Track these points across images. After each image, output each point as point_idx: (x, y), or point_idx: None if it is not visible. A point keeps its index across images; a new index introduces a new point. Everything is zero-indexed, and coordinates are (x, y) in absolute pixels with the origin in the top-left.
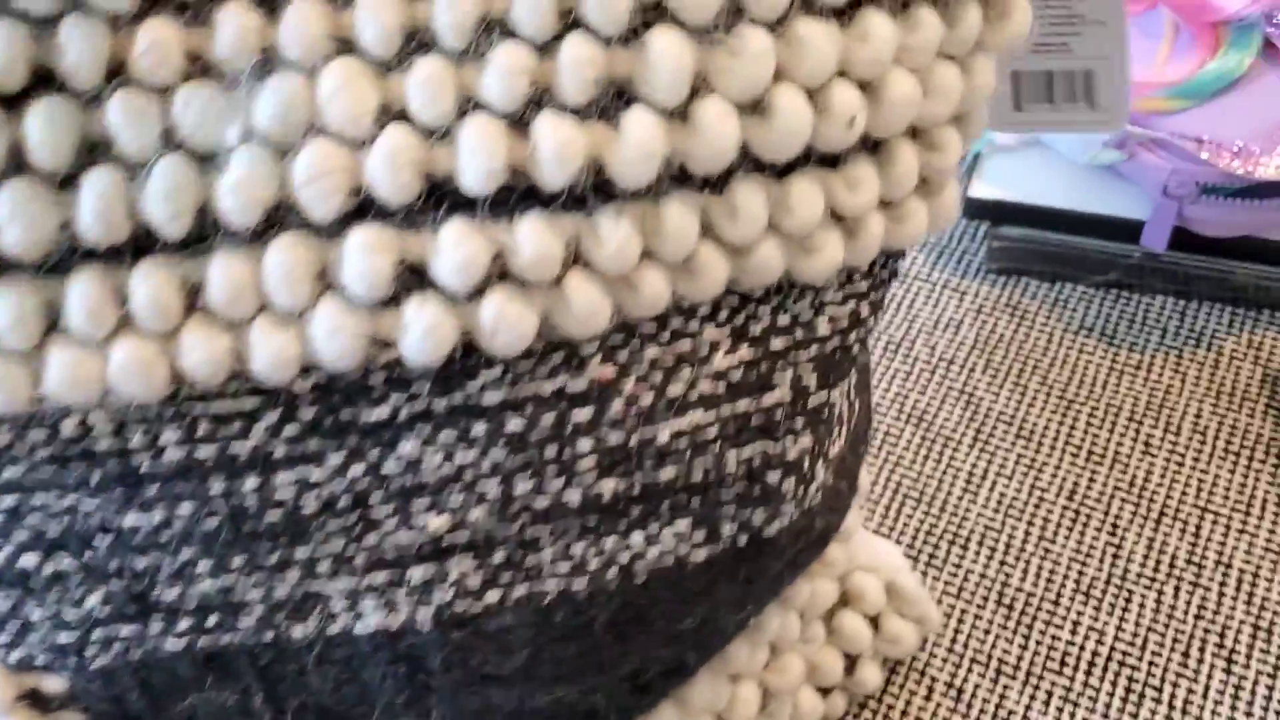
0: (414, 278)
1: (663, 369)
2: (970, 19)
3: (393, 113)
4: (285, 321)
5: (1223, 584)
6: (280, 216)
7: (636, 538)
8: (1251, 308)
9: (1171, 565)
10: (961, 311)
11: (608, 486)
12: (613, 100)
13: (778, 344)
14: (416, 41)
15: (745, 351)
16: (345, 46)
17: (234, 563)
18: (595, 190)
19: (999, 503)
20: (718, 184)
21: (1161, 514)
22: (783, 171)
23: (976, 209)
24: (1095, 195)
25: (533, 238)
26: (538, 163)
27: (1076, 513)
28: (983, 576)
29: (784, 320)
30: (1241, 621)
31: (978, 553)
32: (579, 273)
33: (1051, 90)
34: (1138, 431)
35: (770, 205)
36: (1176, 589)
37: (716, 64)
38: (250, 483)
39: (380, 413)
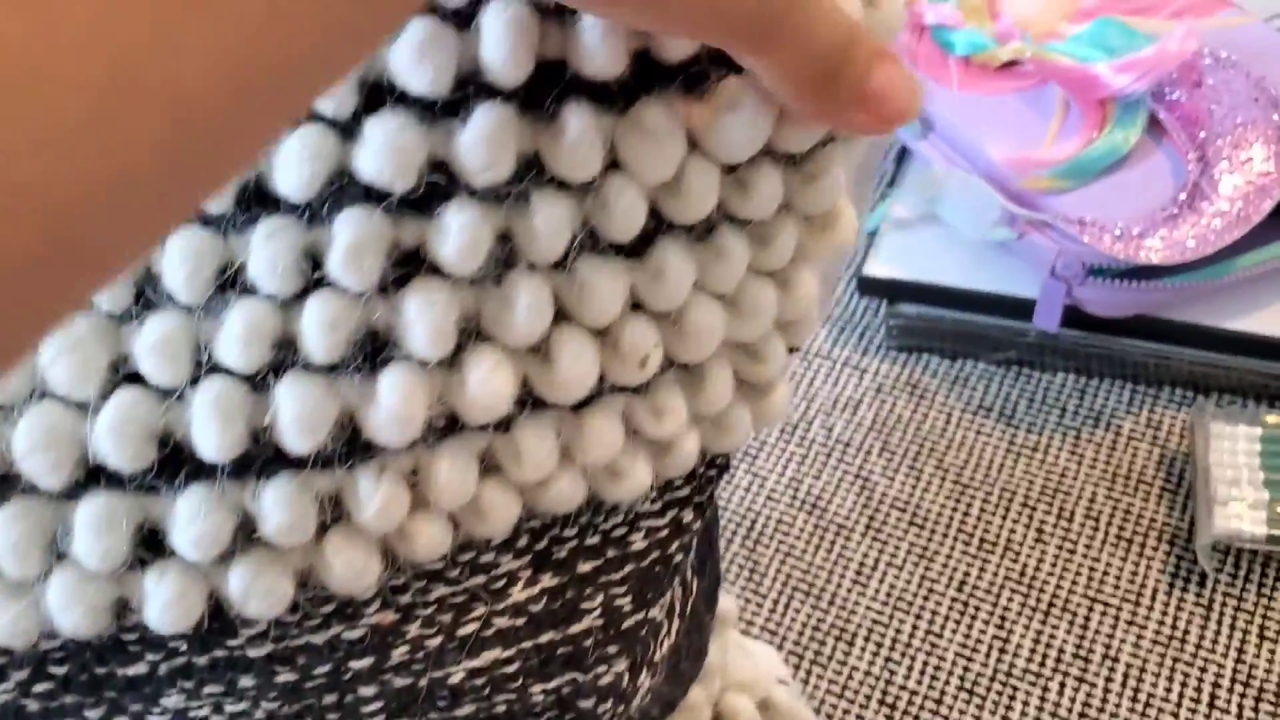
0: (155, 542)
1: (452, 608)
2: (784, 237)
3: (121, 373)
4: (18, 592)
5: (1109, 679)
6: (9, 479)
7: None
8: (1151, 384)
9: (1059, 659)
10: (861, 390)
11: None
12: (369, 354)
13: (585, 568)
14: (147, 296)
15: (548, 580)
16: None
17: None
18: (357, 444)
19: (888, 595)
20: (503, 422)
21: (1050, 605)
22: (582, 401)
23: (872, 287)
24: (990, 273)
25: (280, 506)
26: (280, 429)
27: (965, 604)
28: (867, 674)
29: (593, 540)
30: (1126, 719)
31: (864, 649)
32: (341, 531)
33: None
34: (1030, 518)
35: (563, 440)
36: (1062, 685)
37: (489, 313)
38: None
39: (137, 669)
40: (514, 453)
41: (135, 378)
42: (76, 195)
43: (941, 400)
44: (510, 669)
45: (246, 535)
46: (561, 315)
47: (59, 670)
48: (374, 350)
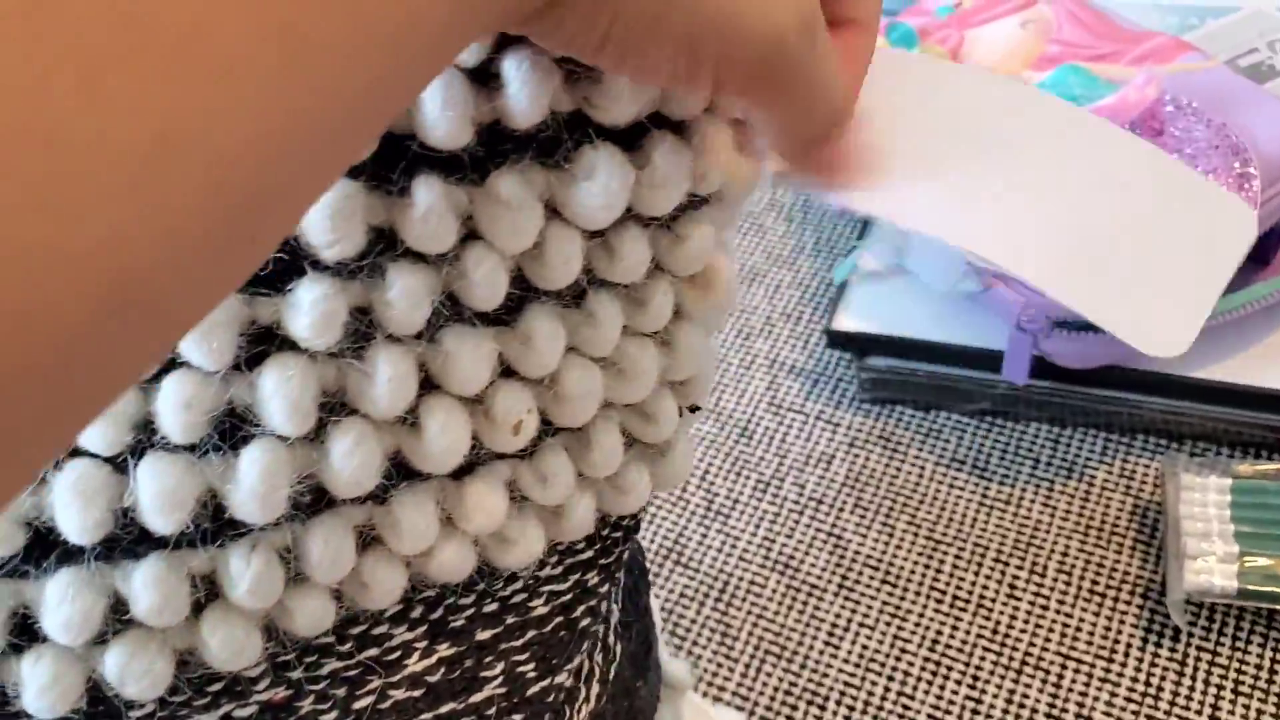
0: (29, 628)
1: (345, 681)
2: (660, 298)
3: None
4: None
5: None
6: None
7: None
8: (1124, 433)
9: (1031, 719)
10: (834, 445)
11: None
12: (228, 433)
13: (484, 635)
14: None
15: (445, 649)
16: None
17: None
18: (227, 522)
19: (860, 656)
20: (379, 495)
21: (1024, 663)
22: (462, 469)
23: (842, 340)
24: (959, 325)
25: (150, 586)
26: (141, 509)
27: (938, 664)
28: None
29: (491, 608)
30: None
31: (835, 712)
32: (217, 609)
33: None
34: (1003, 573)
35: (445, 509)
36: None
37: (352, 386)
38: None
39: None
40: (392, 524)
41: None
42: (132, 252)
43: (915, 453)
44: None
45: (120, 617)
46: (430, 384)
47: None
48: (233, 429)
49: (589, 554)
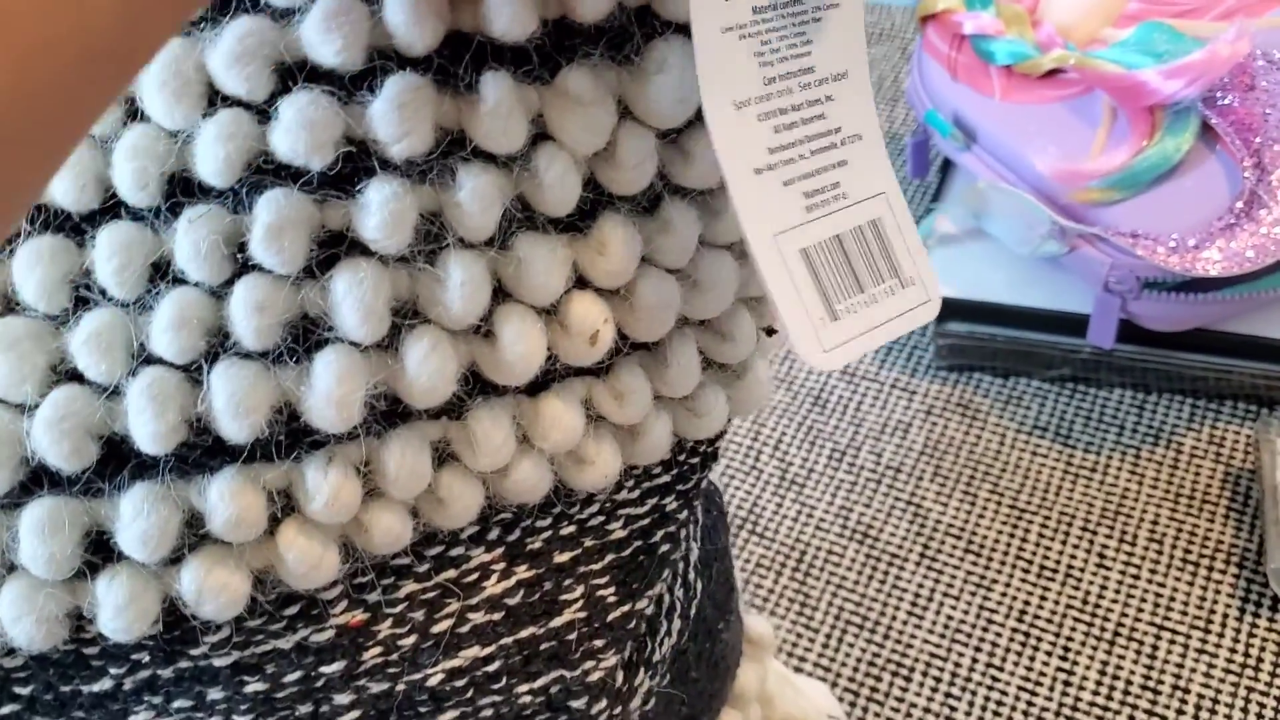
0: (104, 547)
1: (424, 604)
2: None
3: (60, 373)
4: None
5: (1179, 711)
6: None
7: None
8: (1213, 399)
9: (1126, 691)
10: (910, 413)
11: None
12: (302, 339)
13: (562, 558)
14: (82, 296)
15: (523, 572)
16: (7, 304)
17: None
18: (303, 435)
19: (946, 627)
20: (455, 409)
21: (1116, 634)
22: (538, 385)
23: None
24: (1040, 288)
25: (226, 499)
26: (215, 416)
27: (1026, 635)
28: (926, 710)
29: (568, 530)
30: None
31: (922, 684)
32: (293, 524)
33: (853, 268)
34: (1092, 542)
35: (521, 426)
36: (1131, 718)
37: (424, 294)
38: None
39: (102, 685)
40: (468, 440)
41: (74, 376)
42: None
43: (994, 421)
44: (491, 668)
45: (196, 534)
46: (503, 294)
47: (23, 690)
48: (307, 335)
49: (666, 479)
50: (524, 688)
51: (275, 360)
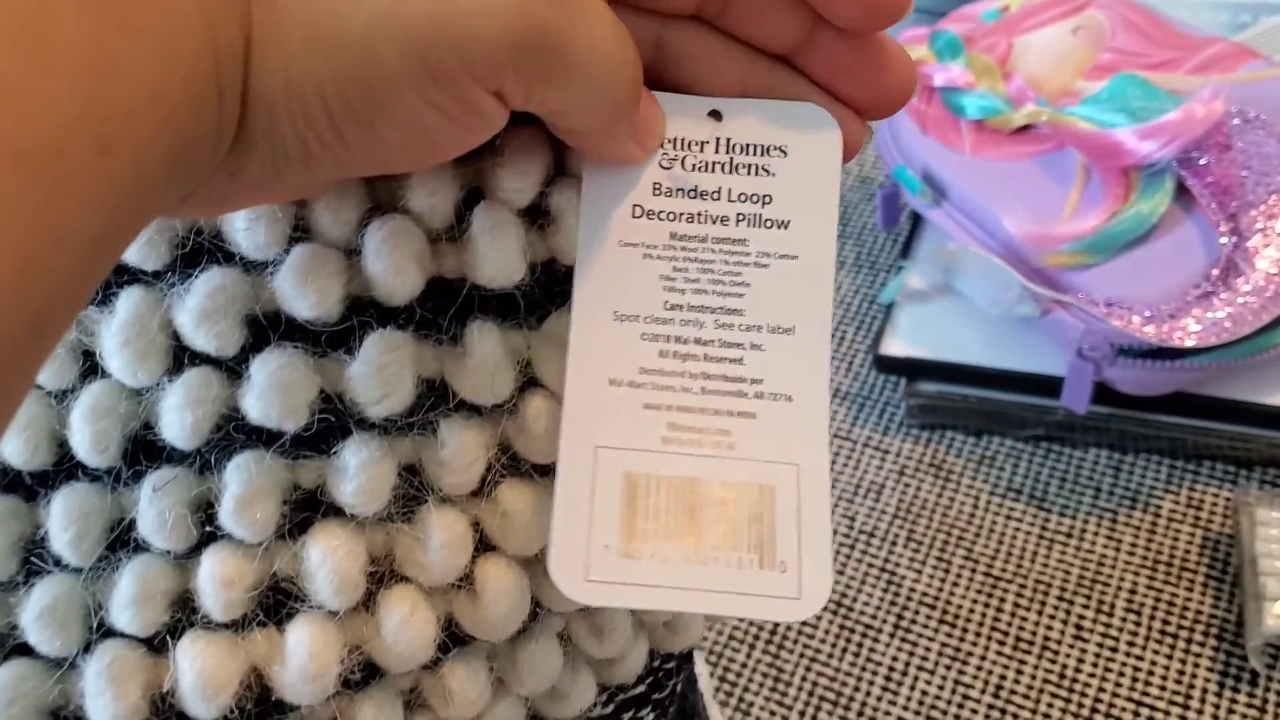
0: None
1: None
2: None
3: (9, 646)
4: None
5: None
6: None
7: None
8: (1190, 460)
9: None
10: (884, 474)
11: None
12: (274, 607)
13: None
14: (33, 563)
15: None
16: None
17: None
18: (271, 703)
19: (921, 702)
20: (430, 661)
21: (1094, 709)
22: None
23: (889, 365)
24: (1012, 349)
25: None
26: (182, 696)
27: (1003, 711)
28: None
29: None
30: None
31: None
32: None
33: (696, 519)
34: (1069, 612)
35: (496, 671)
36: None
37: (402, 552)
38: None
39: None
40: (442, 692)
41: (23, 649)
42: None
43: (968, 482)
44: None
45: None
46: (485, 544)
47: None
48: (279, 602)
49: (641, 689)
50: None
51: (245, 630)
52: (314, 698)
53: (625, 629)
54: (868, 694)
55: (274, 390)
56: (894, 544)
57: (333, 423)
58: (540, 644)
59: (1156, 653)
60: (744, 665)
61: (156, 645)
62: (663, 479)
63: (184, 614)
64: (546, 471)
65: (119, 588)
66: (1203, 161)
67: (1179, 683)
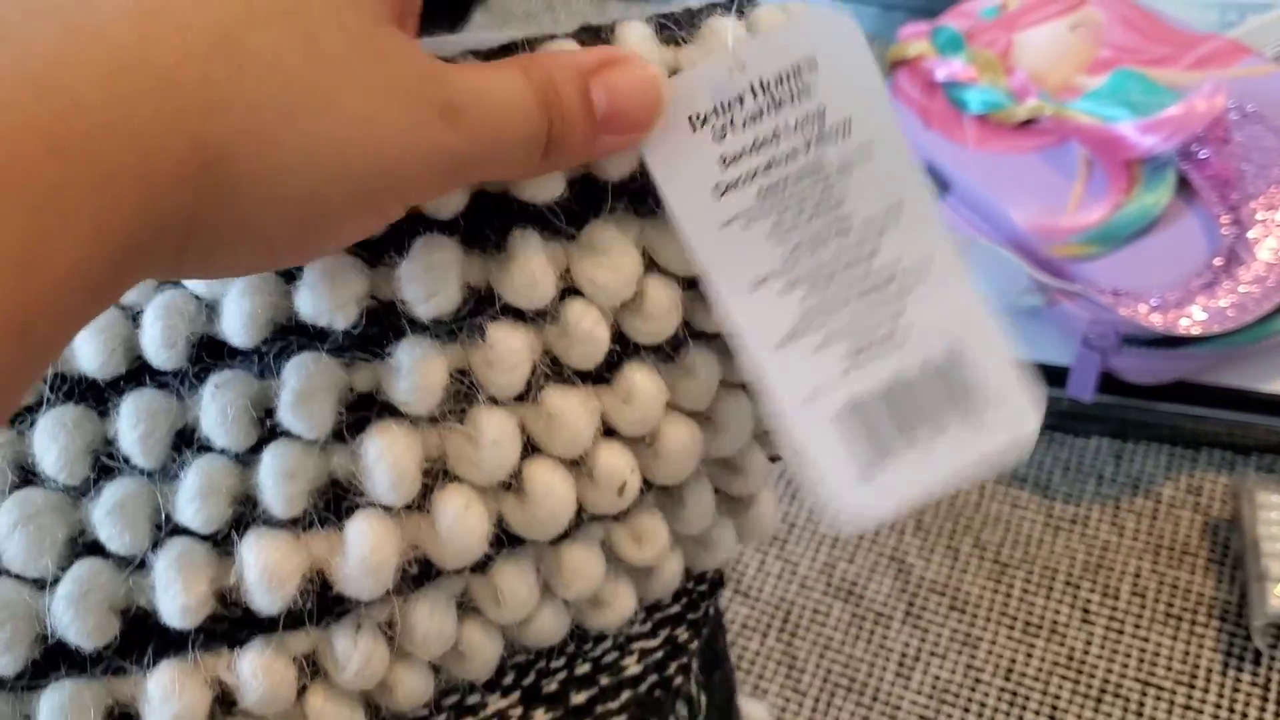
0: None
1: None
2: None
3: (81, 545)
4: None
5: None
6: None
7: None
8: (1189, 446)
9: None
10: None
11: None
12: (333, 505)
13: (579, 699)
14: (104, 465)
15: (542, 715)
16: (26, 475)
17: None
18: (331, 602)
19: (934, 686)
20: (480, 565)
21: (1103, 690)
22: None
23: None
24: (1019, 339)
25: (258, 673)
26: (246, 588)
27: (1014, 693)
28: None
29: (584, 669)
30: None
31: None
32: (321, 691)
33: (902, 415)
34: (1075, 596)
35: (542, 574)
36: None
37: (454, 451)
38: None
39: None
40: (493, 594)
41: (95, 549)
42: None
43: None
44: None
45: (226, 708)
46: (532, 447)
47: None
48: (338, 500)
49: (677, 609)
50: None
51: (305, 527)
52: (373, 591)
53: (662, 537)
54: (881, 679)
55: (324, 286)
56: (903, 533)
57: (385, 325)
58: (584, 547)
59: (1162, 634)
60: (757, 654)
61: (221, 542)
62: (863, 401)
63: (247, 510)
64: (588, 378)
65: (184, 484)
66: (1203, 155)
67: (1184, 663)
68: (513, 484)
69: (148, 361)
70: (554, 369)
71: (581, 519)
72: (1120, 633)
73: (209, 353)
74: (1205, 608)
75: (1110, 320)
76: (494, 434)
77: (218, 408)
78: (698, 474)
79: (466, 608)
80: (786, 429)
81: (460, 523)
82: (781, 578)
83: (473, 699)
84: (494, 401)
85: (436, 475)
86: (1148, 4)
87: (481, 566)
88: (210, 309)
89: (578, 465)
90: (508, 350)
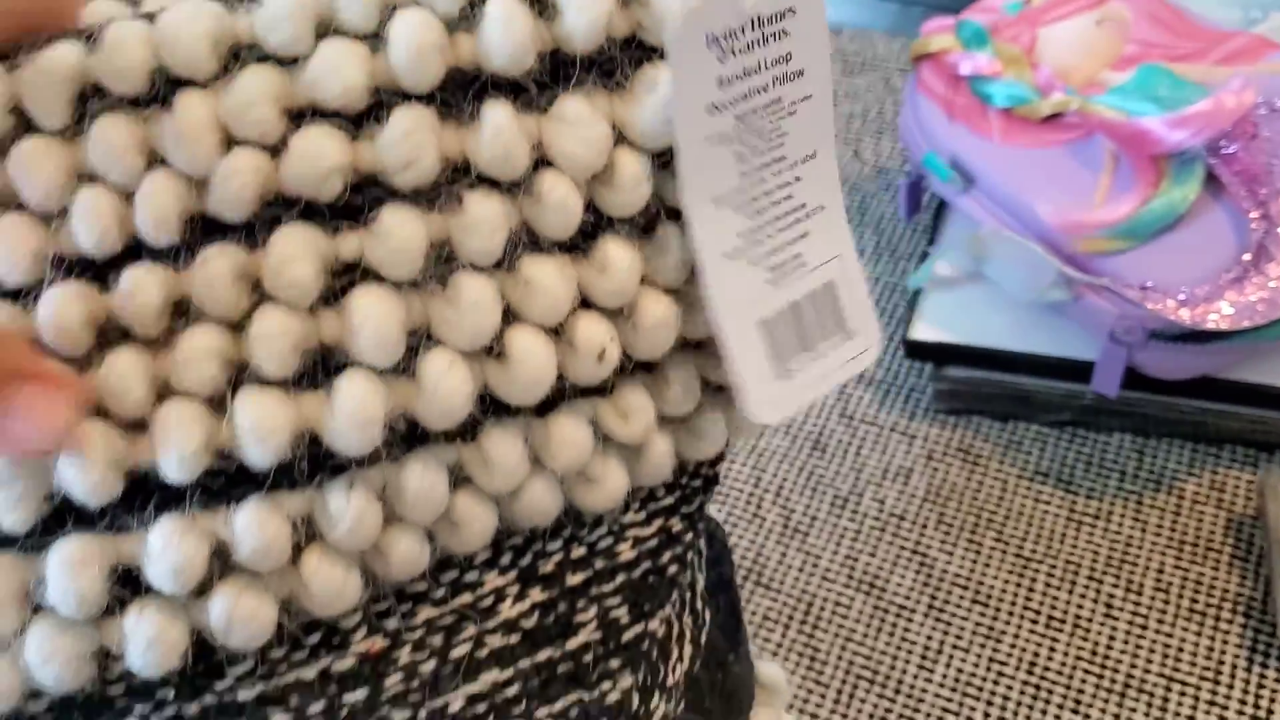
0: (132, 582)
1: (442, 629)
2: None
3: (86, 410)
4: None
5: None
6: None
7: None
8: (1213, 444)
9: None
10: (911, 458)
11: None
12: (323, 365)
13: (575, 580)
14: (105, 333)
15: (538, 594)
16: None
17: None
18: (324, 461)
19: (956, 679)
20: (469, 432)
21: (1126, 685)
22: (547, 406)
23: (918, 350)
24: (1042, 335)
25: (252, 528)
26: (240, 443)
27: (1038, 687)
28: None
29: (579, 552)
30: None
31: None
32: (316, 551)
33: (804, 330)
34: (1099, 591)
35: (531, 446)
36: None
37: (437, 317)
38: None
39: None
40: (483, 461)
41: (99, 411)
42: None
43: (996, 466)
44: (511, 691)
45: (223, 565)
46: (512, 316)
47: None
48: (326, 363)
49: (670, 500)
50: (543, 711)
51: (297, 386)
52: (361, 447)
53: (648, 413)
54: (904, 672)
55: (308, 160)
56: (924, 527)
57: (366, 196)
58: (571, 419)
59: (1185, 629)
60: (779, 645)
61: (217, 404)
62: (779, 313)
63: (239, 375)
64: (565, 250)
65: (180, 350)
66: (1231, 150)
67: (1209, 659)
68: (495, 348)
69: (143, 240)
70: (531, 240)
71: (566, 394)
72: (1144, 628)
73: (202, 230)
74: (1229, 604)
75: (1137, 315)
76: (474, 297)
77: (206, 279)
78: (680, 355)
79: (459, 479)
80: (723, 332)
81: (444, 382)
82: (803, 570)
83: (471, 576)
84: (474, 269)
85: (421, 340)
86: (1173, 0)
87: (471, 436)
88: (200, 186)
89: (558, 335)
90: (485, 216)
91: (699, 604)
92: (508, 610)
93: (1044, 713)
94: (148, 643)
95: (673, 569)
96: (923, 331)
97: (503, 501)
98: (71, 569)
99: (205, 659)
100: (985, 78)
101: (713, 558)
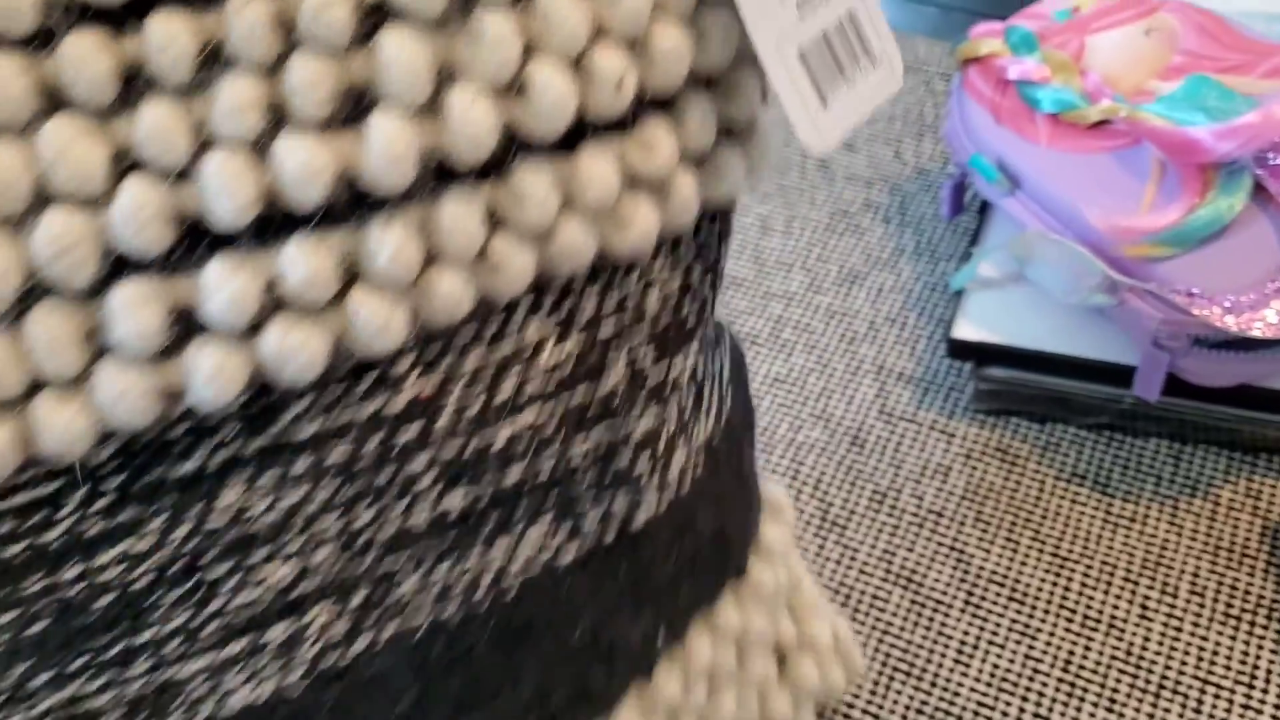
0: (191, 323)
1: (489, 373)
2: None
3: (127, 162)
4: (66, 395)
5: None
6: (32, 289)
7: (497, 550)
8: (1249, 452)
9: None
10: (950, 456)
11: (454, 502)
12: (355, 107)
13: (608, 328)
14: (137, 85)
15: (574, 341)
16: (56, 102)
17: (74, 666)
18: (364, 201)
19: (992, 675)
20: (499, 171)
21: (1161, 686)
22: (569, 146)
23: (960, 350)
24: (1083, 338)
25: (299, 261)
26: (284, 186)
27: (1072, 685)
28: None
29: (612, 302)
30: None
31: None
32: (362, 288)
33: (837, 58)
34: (1134, 593)
35: (561, 184)
36: None
37: (459, 53)
38: (71, 571)
39: (189, 466)
40: (515, 197)
41: (138, 165)
42: None
43: (1034, 467)
44: (549, 429)
45: (275, 303)
46: (532, 49)
47: (113, 483)
48: (358, 103)
49: (690, 253)
50: (577, 444)
51: (332, 127)
52: (397, 181)
53: (670, 144)
54: (940, 666)
55: None
56: (962, 524)
57: None
58: (597, 155)
59: (1220, 633)
60: None
61: (260, 149)
62: (813, 42)
63: (276, 121)
64: None
65: (220, 100)
66: (1276, 161)
67: (1244, 663)
68: (516, 85)
69: None
70: None
71: (588, 128)
72: (1179, 630)
73: None
74: (1265, 609)
75: (1182, 320)
76: (494, 31)
77: (245, 25)
78: (695, 90)
79: (496, 223)
80: (767, 68)
81: (470, 113)
82: (841, 563)
83: (513, 324)
84: (494, 5)
85: (446, 81)
86: (1219, 12)
87: (502, 174)
88: None
89: (577, 69)
90: None
91: (724, 384)
92: (548, 356)
93: (1079, 710)
94: (208, 376)
95: (691, 319)
96: (965, 331)
97: (539, 245)
98: (133, 308)
99: (262, 399)
100: (1033, 83)
101: (734, 358)
